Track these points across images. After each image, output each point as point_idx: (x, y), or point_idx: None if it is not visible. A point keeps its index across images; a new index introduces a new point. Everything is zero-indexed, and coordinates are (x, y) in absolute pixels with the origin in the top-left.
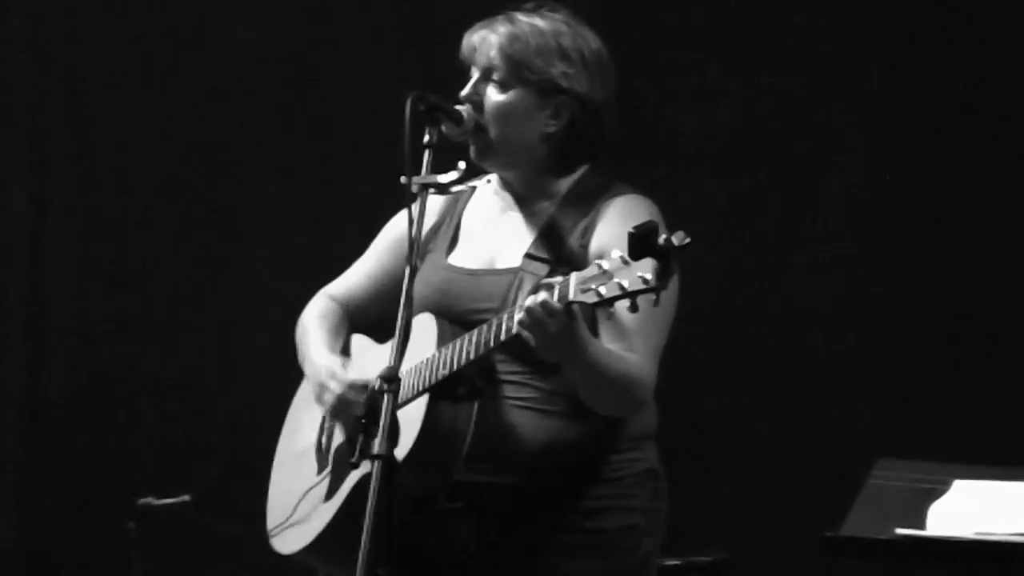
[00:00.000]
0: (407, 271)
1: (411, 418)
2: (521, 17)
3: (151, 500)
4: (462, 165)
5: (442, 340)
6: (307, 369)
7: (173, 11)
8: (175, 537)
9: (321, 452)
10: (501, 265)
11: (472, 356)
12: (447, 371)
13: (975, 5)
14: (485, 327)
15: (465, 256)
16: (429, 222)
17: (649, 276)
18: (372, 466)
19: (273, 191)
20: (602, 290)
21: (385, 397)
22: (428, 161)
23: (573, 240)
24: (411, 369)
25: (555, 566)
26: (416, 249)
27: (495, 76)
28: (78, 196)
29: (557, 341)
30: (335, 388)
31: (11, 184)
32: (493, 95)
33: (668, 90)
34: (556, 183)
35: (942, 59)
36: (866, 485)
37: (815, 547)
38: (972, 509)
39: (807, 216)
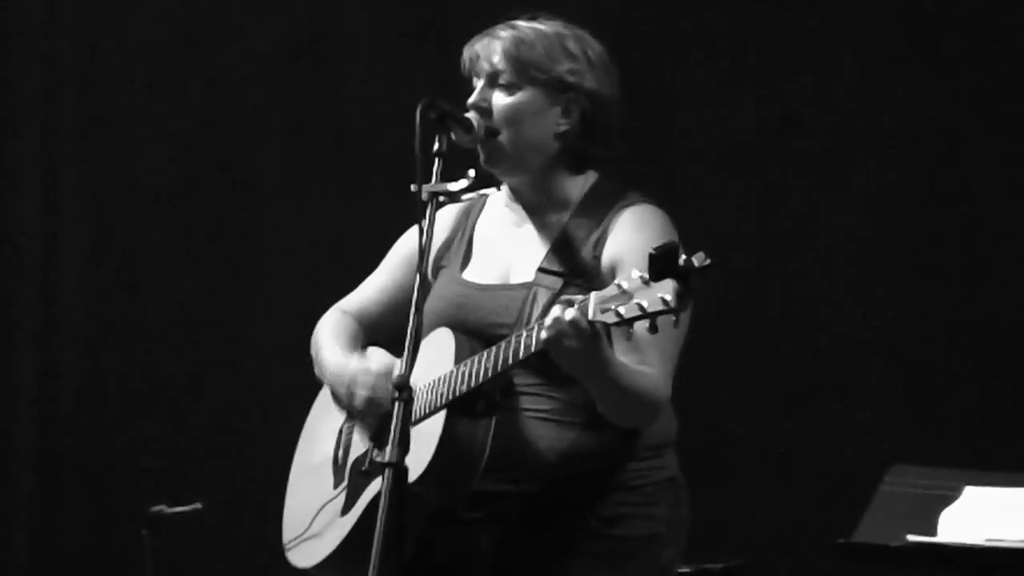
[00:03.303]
0: (417, 278)
1: (429, 433)
2: (521, 23)
3: (163, 507)
4: (472, 173)
5: (460, 355)
6: (328, 377)
7: (184, 18)
8: (187, 544)
9: (337, 465)
10: (515, 279)
11: (491, 373)
12: (466, 387)
13: (988, 6)
14: (504, 344)
15: (479, 271)
16: (441, 237)
17: (669, 297)
18: (383, 474)
19: (284, 198)
20: (621, 310)
21: (396, 405)
22: (438, 169)
23: (585, 252)
24: (429, 384)
25: (575, 575)
26: (426, 256)
27: (502, 80)
28: (90, 203)
29: (581, 357)
30: (368, 381)
31: (23, 191)
32: (502, 98)
33: (682, 91)
34: (567, 191)
35: (955, 59)
36: (878, 492)
37: (828, 553)
38: (983, 516)
39: (820, 219)
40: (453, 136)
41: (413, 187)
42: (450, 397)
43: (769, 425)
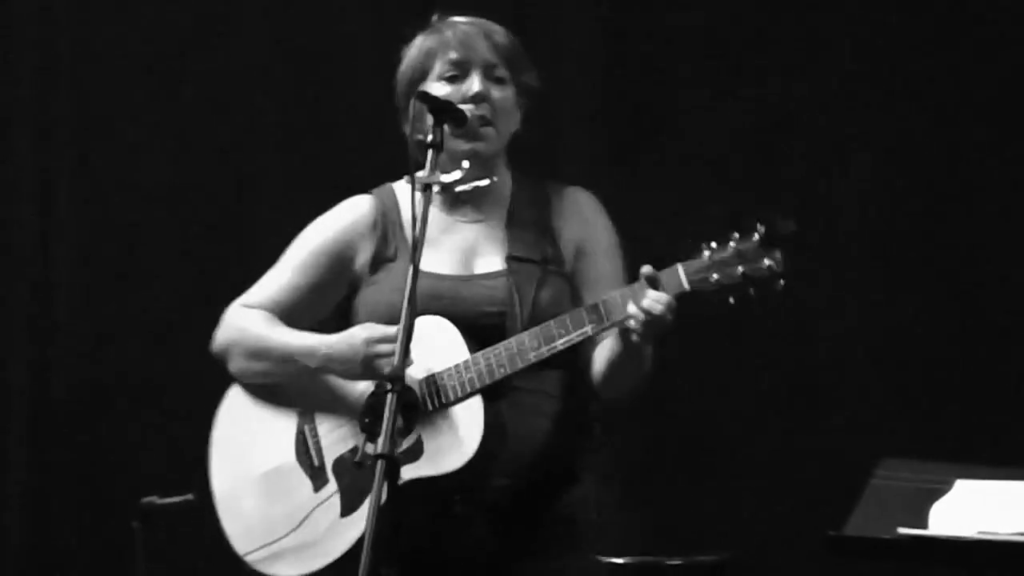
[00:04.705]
0: (411, 270)
1: (469, 417)
2: (486, 20)
3: (155, 499)
4: (466, 164)
5: (469, 343)
6: (329, 360)
7: (181, 13)
8: (179, 535)
9: (314, 468)
10: (481, 269)
11: (546, 354)
12: (506, 370)
13: (983, 7)
14: (554, 324)
15: (433, 263)
16: (367, 232)
17: (770, 263)
18: (376, 465)
19: (280, 195)
20: (720, 278)
21: (389, 397)
22: (432, 160)
23: (544, 236)
24: (449, 370)
25: (563, 561)
26: (419, 248)
27: (496, 73)
28: (84, 198)
29: (669, 328)
30: (383, 346)
31: (17, 187)
32: (499, 91)
33: (675, 91)
34: (503, 184)
35: (950, 61)
36: (869, 485)
37: (818, 547)
38: (974, 509)
39: (813, 218)
40: (446, 128)
41: (406, 178)
42: (487, 380)
43: (760, 419)
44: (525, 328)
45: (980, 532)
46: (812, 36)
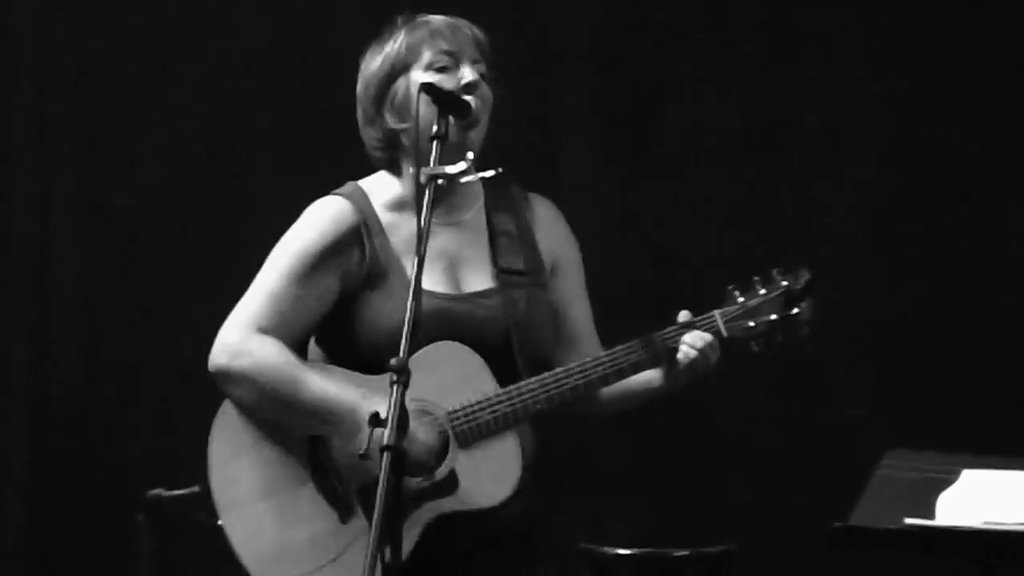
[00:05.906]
0: (415, 261)
1: (505, 451)
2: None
3: (160, 492)
4: (471, 156)
5: (496, 372)
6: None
7: (179, 11)
8: (185, 528)
9: (338, 497)
10: (471, 284)
11: (583, 392)
12: (542, 407)
13: (984, 6)
14: (590, 361)
15: (429, 280)
16: (353, 247)
17: (798, 311)
18: (381, 457)
19: (279, 191)
20: (755, 325)
21: (394, 388)
22: (437, 152)
23: (525, 247)
24: (480, 403)
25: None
26: (425, 240)
27: (479, 68)
28: (83, 191)
29: (710, 372)
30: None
31: (16, 178)
32: (483, 86)
33: (675, 91)
34: (474, 185)
35: (947, 57)
36: (874, 476)
37: (824, 538)
38: (981, 499)
39: (812, 211)
40: (451, 120)
41: (412, 170)
42: (522, 416)
43: (764, 410)
44: (529, 350)
45: (987, 522)
46: (812, 35)
